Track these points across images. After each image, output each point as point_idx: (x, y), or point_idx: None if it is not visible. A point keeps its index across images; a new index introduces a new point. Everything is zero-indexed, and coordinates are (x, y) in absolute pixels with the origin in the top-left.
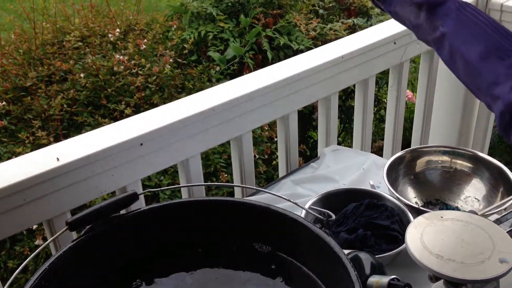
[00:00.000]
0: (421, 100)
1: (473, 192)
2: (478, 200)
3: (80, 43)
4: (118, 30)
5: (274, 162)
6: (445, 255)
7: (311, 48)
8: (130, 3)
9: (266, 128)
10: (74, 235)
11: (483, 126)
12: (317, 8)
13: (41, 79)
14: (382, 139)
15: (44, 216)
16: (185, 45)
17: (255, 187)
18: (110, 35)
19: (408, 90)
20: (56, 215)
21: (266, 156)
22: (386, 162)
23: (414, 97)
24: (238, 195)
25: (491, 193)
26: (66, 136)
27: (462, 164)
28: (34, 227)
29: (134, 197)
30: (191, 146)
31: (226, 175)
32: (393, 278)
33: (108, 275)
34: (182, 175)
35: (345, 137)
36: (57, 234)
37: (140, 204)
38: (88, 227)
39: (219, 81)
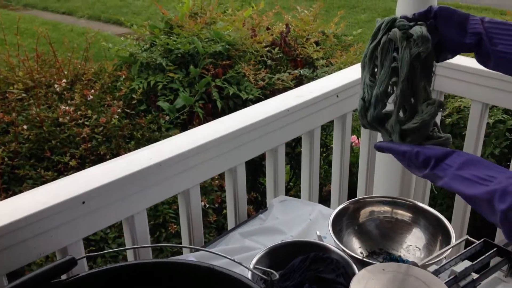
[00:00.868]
0: (365, 150)
1: (414, 241)
2: (419, 249)
3: (24, 95)
4: (64, 80)
5: (224, 211)
6: None
7: (260, 98)
8: (78, 52)
9: (217, 177)
10: None
11: None
12: (265, 58)
13: None
14: None
15: None
16: (134, 95)
17: (195, 247)
18: (56, 86)
19: (354, 135)
20: None
21: (217, 205)
22: (332, 212)
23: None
24: (187, 250)
25: (431, 242)
26: (6, 191)
27: (403, 214)
28: None
29: (71, 262)
30: (136, 202)
31: (175, 225)
32: None
33: None
34: (127, 232)
35: (296, 182)
36: None
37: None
38: None
39: (168, 130)
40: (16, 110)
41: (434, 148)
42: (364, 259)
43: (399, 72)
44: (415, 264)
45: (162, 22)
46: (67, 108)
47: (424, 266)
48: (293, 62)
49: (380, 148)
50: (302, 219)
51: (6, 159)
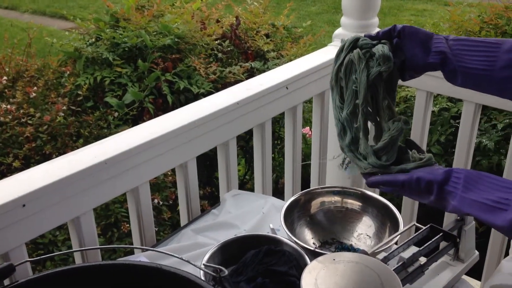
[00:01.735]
0: (316, 141)
1: (365, 229)
2: (370, 237)
3: None
4: (5, 77)
5: (179, 208)
6: None
7: (211, 91)
8: (19, 48)
9: (170, 173)
10: None
11: None
12: (216, 52)
13: None
14: None
15: None
16: (80, 92)
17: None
18: None
19: (308, 127)
20: None
21: (171, 202)
22: (284, 204)
23: None
24: (138, 250)
25: (380, 229)
26: None
27: (353, 203)
28: None
29: (10, 268)
30: (81, 203)
31: (128, 225)
32: None
33: None
34: (73, 234)
35: (251, 176)
36: None
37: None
38: None
39: (118, 127)
40: None
41: (431, 170)
42: (316, 249)
43: (358, 95)
44: (365, 252)
45: (107, 16)
46: (8, 106)
47: (374, 254)
48: (244, 55)
49: (374, 184)
50: (255, 213)
51: None
